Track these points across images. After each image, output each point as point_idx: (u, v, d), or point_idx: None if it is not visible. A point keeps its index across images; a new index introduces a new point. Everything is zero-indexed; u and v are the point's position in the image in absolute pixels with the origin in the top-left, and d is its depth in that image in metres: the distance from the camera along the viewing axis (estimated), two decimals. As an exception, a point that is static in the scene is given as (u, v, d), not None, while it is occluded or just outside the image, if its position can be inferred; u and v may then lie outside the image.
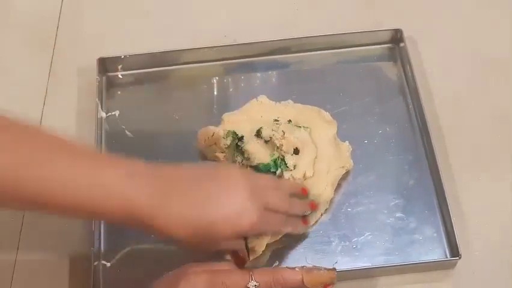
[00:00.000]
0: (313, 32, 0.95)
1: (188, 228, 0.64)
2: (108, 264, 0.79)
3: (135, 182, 0.63)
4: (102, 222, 0.82)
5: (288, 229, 0.75)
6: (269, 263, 0.78)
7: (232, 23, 0.99)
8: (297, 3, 1.01)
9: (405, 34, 0.94)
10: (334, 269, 0.70)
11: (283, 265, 0.78)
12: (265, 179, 0.74)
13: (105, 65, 0.93)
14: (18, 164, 0.61)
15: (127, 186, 0.63)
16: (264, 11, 1.01)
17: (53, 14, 1.01)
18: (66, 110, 0.92)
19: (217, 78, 0.93)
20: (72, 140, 0.66)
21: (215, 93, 0.93)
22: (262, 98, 0.87)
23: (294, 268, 0.69)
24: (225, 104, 0.91)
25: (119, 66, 0.94)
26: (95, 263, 0.78)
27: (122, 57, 0.93)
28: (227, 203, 0.66)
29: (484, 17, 0.99)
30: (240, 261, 0.73)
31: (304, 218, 0.78)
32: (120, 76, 0.94)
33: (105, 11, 1.02)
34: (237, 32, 0.97)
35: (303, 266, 0.70)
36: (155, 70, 0.94)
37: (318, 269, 0.70)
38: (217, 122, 0.85)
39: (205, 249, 0.69)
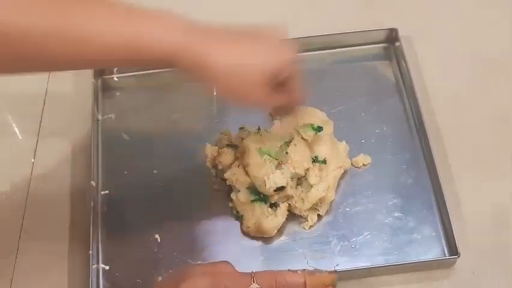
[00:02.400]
0: (313, 32, 0.95)
1: (231, 62, 0.66)
2: (107, 268, 0.79)
3: (187, 33, 0.66)
4: (100, 226, 0.82)
5: None
6: (268, 264, 0.79)
7: (232, 23, 0.98)
8: (297, 3, 1.01)
9: (404, 34, 0.94)
10: (335, 271, 0.70)
11: (283, 266, 0.77)
12: None
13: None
14: (66, 12, 0.62)
15: (178, 35, 0.66)
16: (264, 11, 1.01)
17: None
18: (63, 112, 0.92)
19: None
20: None
21: (214, 93, 0.92)
22: None
23: (296, 271, 0.69)
24: (224, 105, 0.91)
25: (115, 69, 0.94)
26: (94, 266, 0.78)
27: (116, 60, 0.93)
28: (265, 45, 0.69)
29: (482, 16, 0.99)
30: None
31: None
32: (116, 79, 0.94)
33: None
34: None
35: (305, 269, 0.70)
36: (150, 72, 0.94)
37: (320, 271, 0.70)
38: (215, 123, 0.84)
39: (252, 97, 0.70)
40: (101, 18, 0.64)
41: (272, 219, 0.79)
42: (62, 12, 0.62)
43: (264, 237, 0.80)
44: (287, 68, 0.71)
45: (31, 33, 0.61)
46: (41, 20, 0.62)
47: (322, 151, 0.81)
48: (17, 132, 0.93)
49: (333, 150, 0.83)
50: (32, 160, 0.88)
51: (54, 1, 0.63)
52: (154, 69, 0.93)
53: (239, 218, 0.81)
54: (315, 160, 0.81)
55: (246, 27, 0.71)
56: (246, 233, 0.81)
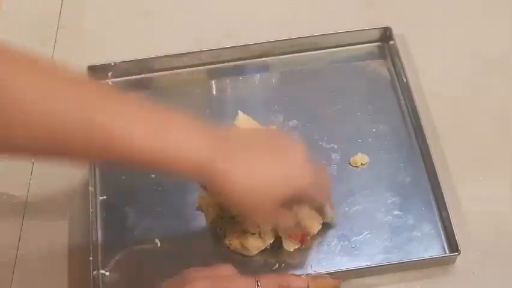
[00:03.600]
0: (313, 32, 0.95)
1: (249, 187, 0.65)
2: (107, 274, 0.79)
3: (213, 150, 0.64)
4: (99, 231, 0.81)
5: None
6: (270, 267, 0.78)
7: (233, 23, 0.99)
8: (297, 3, 1.01)
9: (401, 33, 0.94)
10: (339, 278, 0.70)
11: (285, 268, 0.78)
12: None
13: (95, 72, 0.92)
14: (88, 109, 0.59)
15: (205, 153, 0.63)
16: (264, 11, 1.01)
17: (53, 13, 1.01)
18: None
19: (212, 81, 0.93)
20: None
21: (213, 94, 0.93)
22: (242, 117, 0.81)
23: (299, 275, 0.69)
24: (220, 107, 0.91)
25: (109, 74, 0.93)
26: (94, 272, 0.78)
27: (112, 64, 0.93)
28: (287, 164, 0.67)
29: (477, 14, 0.99)
30: (300, 239, 0.75)
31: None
32: (110, 83, 0.94)
33: (105, 11, 1.02)
34: (237, 32, 0.98)
35: (308, 274, 0.70)
36: (146, 76, 0.94)
37: (324, 276, 0.70)
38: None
39: (261, 215, 0.70)
40: (129, 125, 0.61)
41: (256, 239, 0.77)
42: (90, 107, 0.59)
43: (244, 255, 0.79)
44: (307, 192, 0.70)
45: (58, 127, 0.58)
46: (71, 112, 0.58)
47: None
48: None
49: None
50: (32, 160, 0.88)
51: (80, 93, 0.60)
52: (149, 73, 0.93)
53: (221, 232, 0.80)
54: None
55: (275, 135, 0.72)
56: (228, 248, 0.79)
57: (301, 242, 0.77)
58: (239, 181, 0.65)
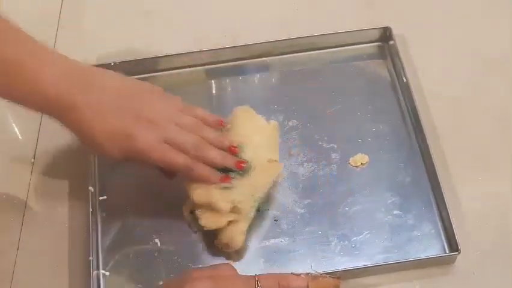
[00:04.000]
0: (313, 32, 0.95)
1: (101, 132, 0.72)
2: (107, 274, 0.79)
3: (67, 80, 0.70)
4: (99, 232, 0.81)
5: (196, 170, 0.77)
6: (269, 265, 0.78)
7: (233, 23, 0.99)
8: (297, 3, 1.01)
9: (401, 33, 0.94)
10: (339, 277, 0.70)
11: (284, 267, 0.78)
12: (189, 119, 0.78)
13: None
14: None
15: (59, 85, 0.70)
16: (264, 11, 1.01)
17: (53, 13, 1.01)
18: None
19: (212, 81, 0.94)
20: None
21: (213, 94, 0.93)
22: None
23: (299, 275, 0.69)
24: (220, 107, 0.91)
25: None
26: (94, 272, 0.78)
27: (112, 64, 0.92)
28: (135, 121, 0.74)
29: (476, 13, 1.00)
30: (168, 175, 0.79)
31: (225, 176, 0.78)
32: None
33: (105, 11, 1.02)
34: (237, 32, 0.98)
35: (308, 273, 0.70)
36: (146, 76, 0.94)
37: (323, 276, 0.70)
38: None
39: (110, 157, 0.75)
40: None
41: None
42: None
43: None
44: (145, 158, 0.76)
45: None
46: None
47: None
48: (17, 132, 0.92)
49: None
50: (32, 160, 0.88)
51: None
52: (149, 73, 0.93)
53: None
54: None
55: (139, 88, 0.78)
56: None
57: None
58: (94, 125, 0.72)
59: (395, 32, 0.94)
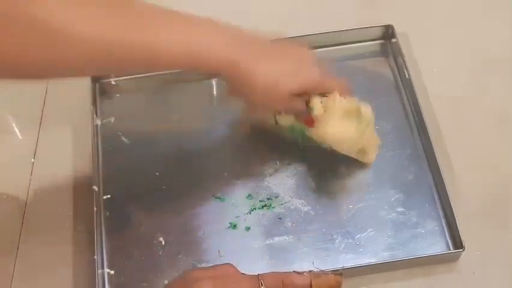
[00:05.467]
0: (314, 31, 0.95)
1: (271, 81, 0.75)
2: (112, 272, 0.79)
3: (234, 48, 0.74)
4: (103, 231, 0.81)
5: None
6: (274, 263, 0.79)
7: (233, 22, 0.98)
8: (297, 2, 1.01)
9: (403, 31, 0.95)
10: (341, 273, 0.70)
11: (288, 266, 0.78)
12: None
13: (98, 72, 0.93)
14: (131, 29, 0.67)
15: (228, 50, 0.73)
16: (265, 11, 1.01)
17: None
18: (64, 112, 0.92)
19: (212, 81, 0.93)
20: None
21: (213, 94, 0.93)
22: None
23: (302, 272, 0.70)
24: (221, 107, 0.91)
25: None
26: (99, 271, 0.78)
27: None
28: (295, 63, 0.78)
29: (478, 12, 1.00)
30: (310, 121, 0.80)
31: None
32: (113, 82, 0.94)
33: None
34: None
35: (311, 271, 0.70)
36: (147, 76, 0.93)
37: (326, 273, 0.70)
38: (216, 123, 0.84)
39: (278, 104, 0.79)
40: (165, 30, 0.70)
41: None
42: (132, 26, 0.68)
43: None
44: (315, 86, 0.79)
45: (115, 47, 0.66)
46: (124, 33, 0.67)
47: None
48: (17, 132, 0.92)
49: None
50: (32, 160, 0.88)
51: (123, 15, 0.68)
52: (150, 73, 0.93)
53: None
54: None
55: (287, 43, 0.81)
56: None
57: (310, 124, 0.80)
58: (259, 79, 0.74)
59: (397, 30, 0.94)
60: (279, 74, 0.76)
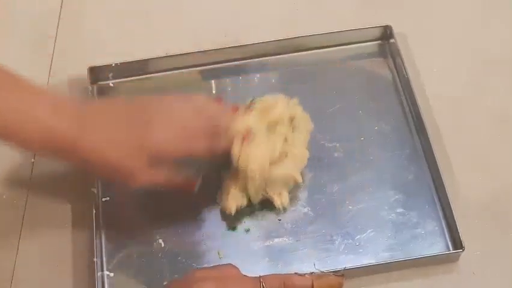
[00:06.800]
0: (313, 31, 0.95)
1: (114, 158, 0.71)
2: (112, 275, 0.79)
3: (60, 116, 0.70)
4: (102, 233, 0.81)
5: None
6: (274, 265, 0.79)
7: (232, 23, 0.99)
8: (297, 3, 1.01)
9: (402, 31, 0.95)
10: (342, 274, 0.70)
11: (289, 267, 0.78)
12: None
13: (96, 74, 0.92)
14: None
15: (53, 120, 0.69)
16: (265, 11, 1.01)
17: (53, 14, 1.01)
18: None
19: (212, 81, 0.93)
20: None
21: (213, 94, 0.93)
22: None
23: (303, 274, 0.70)
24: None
25: (110, 75, 0.93)
26: (99, 273, 0.77)
27: (113, 65, 0.92)
28: (141, 130, 0.72)
29: (476, 11, 1.00)
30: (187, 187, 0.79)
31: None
32: (111, 84, 0.93)
33: (105, 11, 1.02)
34: (237, 32, 0.98)
35: (312, 272, 0.70)
36: (146, 77, 0.93)
37: (327, 275, 0.70)
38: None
39: (137, 179, 0.73)
40: None
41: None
42: None
43: None
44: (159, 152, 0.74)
45: None
46: None
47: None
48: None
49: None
50: (32, 160, 0.88)
51: None
52: (151, 74, 0.93)
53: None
54: None
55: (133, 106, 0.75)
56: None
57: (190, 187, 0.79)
58: (104, 155, 0.71)
59: (395, 30, 0.94)
60: (125, 148, 0.71)
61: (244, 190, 0.79)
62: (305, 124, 0.82)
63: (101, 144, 0.71)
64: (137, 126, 0.73)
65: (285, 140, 0.80)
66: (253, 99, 0.81)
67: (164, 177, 0.76)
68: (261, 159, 0.77)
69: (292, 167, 0.80)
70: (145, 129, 0.72)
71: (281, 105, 0.80)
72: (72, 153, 0.71)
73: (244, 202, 0.80)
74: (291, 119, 0.81)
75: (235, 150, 0.76)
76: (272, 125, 0.79)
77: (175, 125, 0.74)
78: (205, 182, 0.83)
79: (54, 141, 0.70)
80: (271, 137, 0.79)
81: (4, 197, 0.86)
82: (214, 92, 0.93)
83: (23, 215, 0.84)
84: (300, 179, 0.81)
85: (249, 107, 0.79)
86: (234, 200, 0.79)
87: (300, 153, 0.81)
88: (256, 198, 0.80)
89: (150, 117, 0.73)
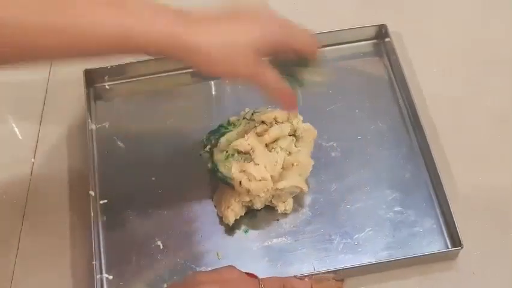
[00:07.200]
0: (314, 31, 0.95)
1: (219, 41, 0.67)
2: (110, 277, 0.79)
3: (174, 22, 0.66)
4: (101, 236, 0.81)
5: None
6: (273, 265, 0.79)
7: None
8: (297, 3, 1.01)
9: (397, 30, 0.95)
10: (342, 279, 0.71)
11: (288, 267, 0.78)
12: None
13: (91, 76, 0.92)
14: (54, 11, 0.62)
15: (165, 25, 0.66)
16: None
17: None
18: (64, 113, 0.92)
19: (211, 81, 0.93)
20: None
21: (213, 94, 0.93)
22: None
23: (303, 277, 0.70)
24: (220, 107, 0.91)
25: (106, 77, 0.93)
26: (98, 276, 0.77)
27: (109, 67, 0.92)
28: (249, 19, 0.70)
29: (471, 10, 1.00)
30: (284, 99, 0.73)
31: None
32: (107, 87, 0.93)
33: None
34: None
35: (312, 276, 0.70)
36: (143, 78, 0.94)
37: (327, 278, 0.70)
38: (212, 127, 0.84)
39: (241, 70, 0.69)
40: (90, 11, 0.64)
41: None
42: (54, 5, 0.62)
43: None
44: (280, 38, 0.71)
45: (29, 28, 0.61)
46: (38, 15, 0.61)
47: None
48: (17, 132, 0.92)
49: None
50: (32, 160, 0.87)
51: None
52: (146, 76, 0.93)
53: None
54: None
55: (227, 7, 0.70)
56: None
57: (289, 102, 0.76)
58: (210, 46, 0.66)
59: (390, 29, 0.94)
60: (233, 33, 0.68)
61: (245, 203, 0.79)
62: (308, 134, 0.82)
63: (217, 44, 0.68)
64: (243, 18, 0.70)
65: (289, 153, 0.79)
66: (253, 113, 0.81)
67: (273, 75, 0.71)
68: (263, 181, 0.77)
69: (297, 178, 0.80)
70: None
71: (280, 122, 0.80)
72: (195, 55, 0.67)
73: (243, 212, 0.80)
74: (294, 131, 0.81)
75: (236, 174, 0.77)
76: (272, 142, 0.79)
77: None
78: (203, 183, 0.84)
79: (175, 46, 0.66)
80: (272, 154, 0.78)
81: (4, 197, 0.86)
82: (213, 92, 0.93)
83: (23, 215, 0.84)
84: (306, 188, 0.81)
85: (248, 123, 0.79)
86: (233, 211, 0.79)
87: (304, 162, 0.80)
88: (260, 207, 0.80)
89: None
